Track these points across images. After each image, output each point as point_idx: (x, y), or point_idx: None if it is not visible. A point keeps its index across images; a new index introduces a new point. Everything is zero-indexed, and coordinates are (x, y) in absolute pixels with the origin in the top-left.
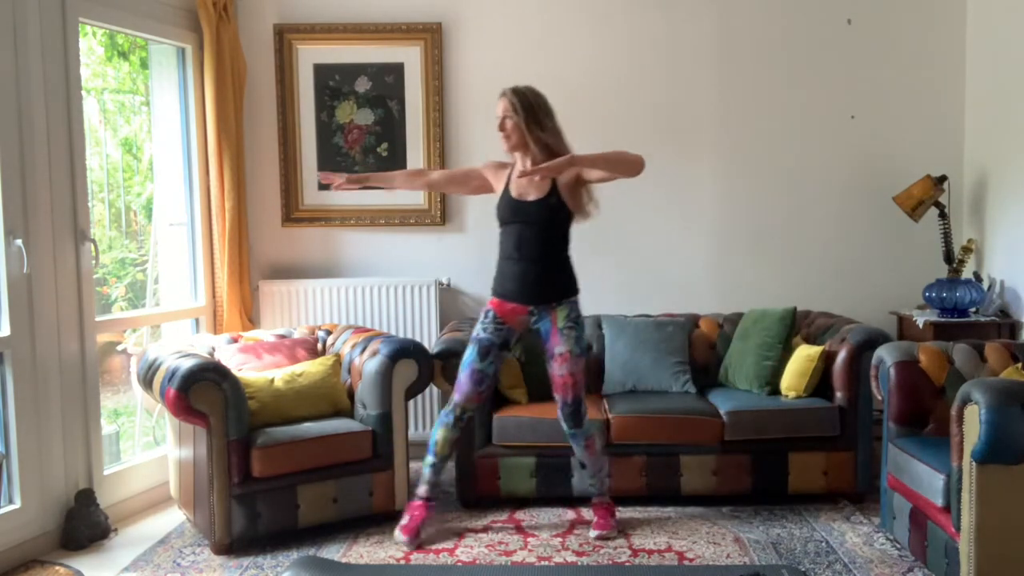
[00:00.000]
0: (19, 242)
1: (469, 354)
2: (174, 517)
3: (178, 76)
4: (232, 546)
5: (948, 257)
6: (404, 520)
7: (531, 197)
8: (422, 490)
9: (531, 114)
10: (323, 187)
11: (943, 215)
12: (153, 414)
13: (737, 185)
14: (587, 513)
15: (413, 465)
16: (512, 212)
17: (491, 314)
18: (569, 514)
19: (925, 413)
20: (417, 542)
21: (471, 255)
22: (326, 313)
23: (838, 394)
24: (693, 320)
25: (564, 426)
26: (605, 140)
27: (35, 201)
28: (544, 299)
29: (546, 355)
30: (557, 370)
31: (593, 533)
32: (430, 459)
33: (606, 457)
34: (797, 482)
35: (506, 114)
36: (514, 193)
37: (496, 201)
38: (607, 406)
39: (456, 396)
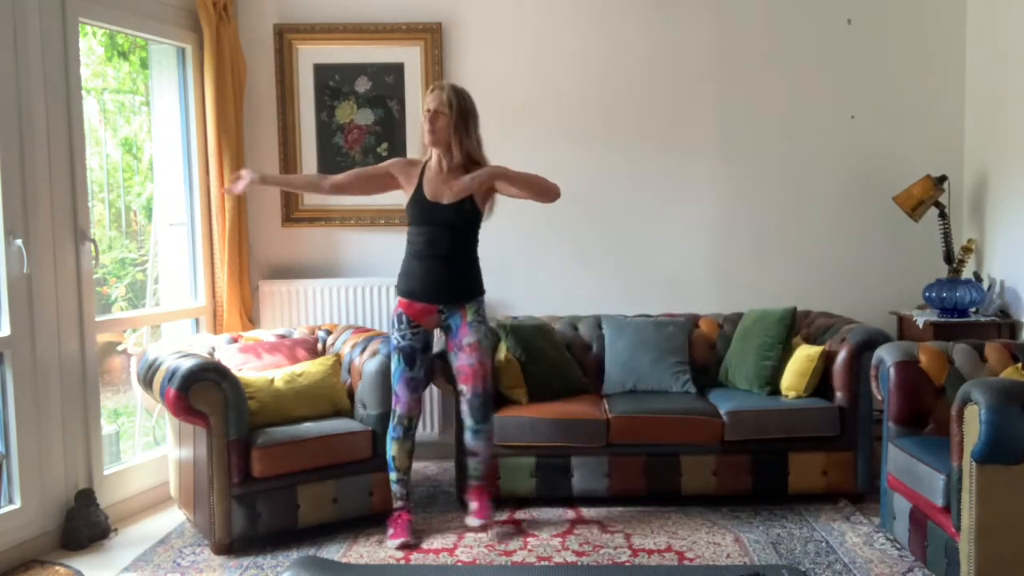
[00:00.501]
0: (19, 242)
1: (397, 364)
2: (174, 517)
3: (178, 76)
4: (232, 546)
5: (948, 257)
6: (391, 531)
7: (446, 200)
8: (398, 504)
9: (463, 117)
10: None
11: (943, 215)
12: (153, 414)
13: (737, 185)
14: (587, 512)
15: (414, 465)
16: (427, 214)
17: (404, 318)
18: (569, 514)
19: (925, 413)
20: (414, 540)
21: None
22: (326, 313)
23: (838, 394)
24: (693, 320)
25: (469, 421)
26: (605, 140)
27: (35, 201)
28: (456, 298)
29: (454, 348)
30: (467, 359)
31: (476, 522)
32: (394, 476)
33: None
34: (797, 482)
35: (440, 109)
36: (428, 194)
37: (407, 200)
38: (607, 406)
39: (399, 408)
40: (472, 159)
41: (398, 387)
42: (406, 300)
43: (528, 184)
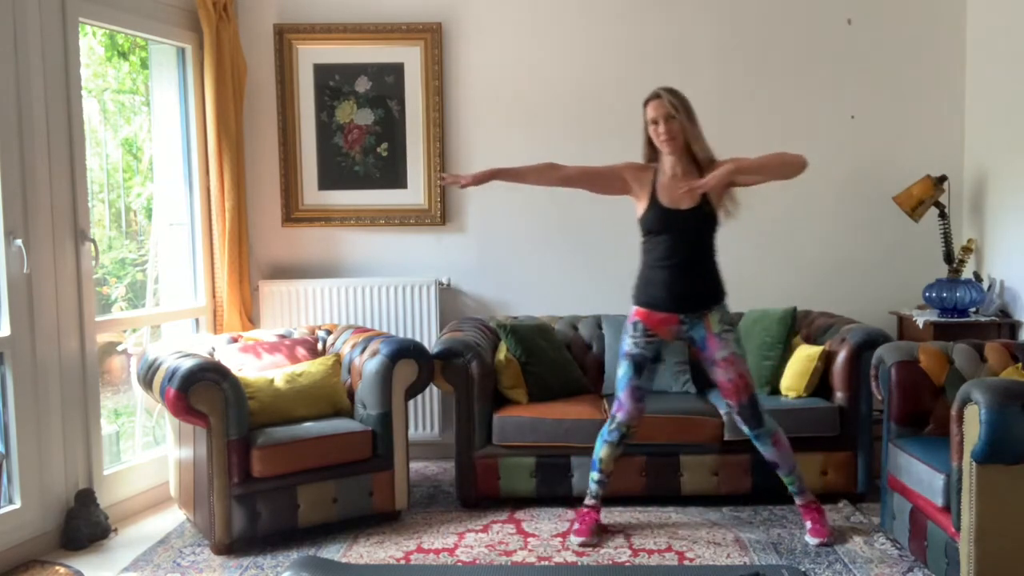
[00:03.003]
0: (19, 242)
1: (625, 371)
2: (174, 517)
3: (178, 76)
4: (232, 546)
5: (948, 257)
6: (577, 526)
7: (684, 205)
8: (590, 501)
9: (690, 117)
10: (325, 186)
11: (943, 215)
12: (153, 414)
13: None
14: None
15: (413, 465)
16: (665, 222)
17: (640, 326)
18: (569, 514)
19: (925, 413)
20: (594, 541)
21: (471, 255)
22: (326, 313)
23: (838, 394)
24: None
25: (745, 429)
26: (605, 139)
27: (35, 201)
28: (697, 307)
29: (705, 362)
30: (723, 375)
31: (813, 540)
32: (596, 475)
33: (792, 454)
34: None
35: (671, 114)
36: (665, 202)
37: (640, 208)
38: (607, 406)
39: (620, 415)
40: (698, 156)
41: (623, 395)
42: (645, 310)
43: (768, 169)
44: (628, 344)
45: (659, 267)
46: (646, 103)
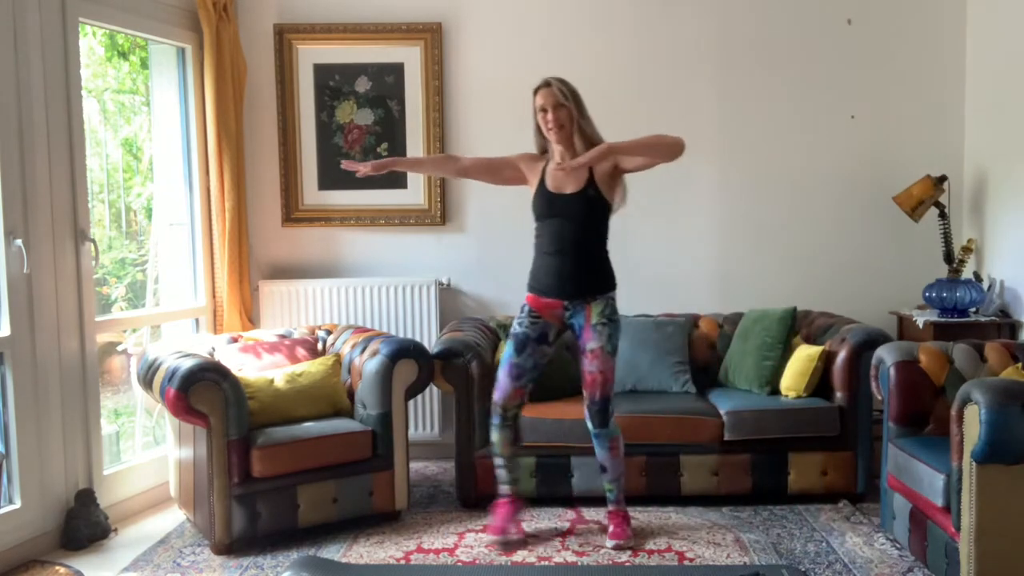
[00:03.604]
0: (19, 242)
1: (507, 350)
2: (174, 517)
3: (178, 76)
4: (232, 546)
5: (948, 257)
6: (492, 520)
7: (568, 190)
8: (503, 489)
9: (579, 105)
10: (325, 186)
11: (943, 215)
12: (153, 414)
13: (737, 185)
14: (587, 513)
15: (413, 465)
16: (549, 206)
17: (526, 308)
18: (569, 514)
19: (925, 413)
20: (513, 536)
21: (471, 255)
22: (326, 313)
23: (838, 394)
24: (693, 320)
25: (589, 425)
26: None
27: (35, 201)
28: (579, 293)
29: (578, 351)
30: (587, 366)
31: (610, 543)
32: (498, 461)
33: (624, 463)
34: (797, 482)
35: (560, 102)
36: (550, 186)
37: (531, 195)
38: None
39: (496, 395)
40: (591, 142)
41: (500, 372)
42: (533, 295)
43: (646, 147)
44: (513, 325)
45: (547, 252)
46: (536, 91)
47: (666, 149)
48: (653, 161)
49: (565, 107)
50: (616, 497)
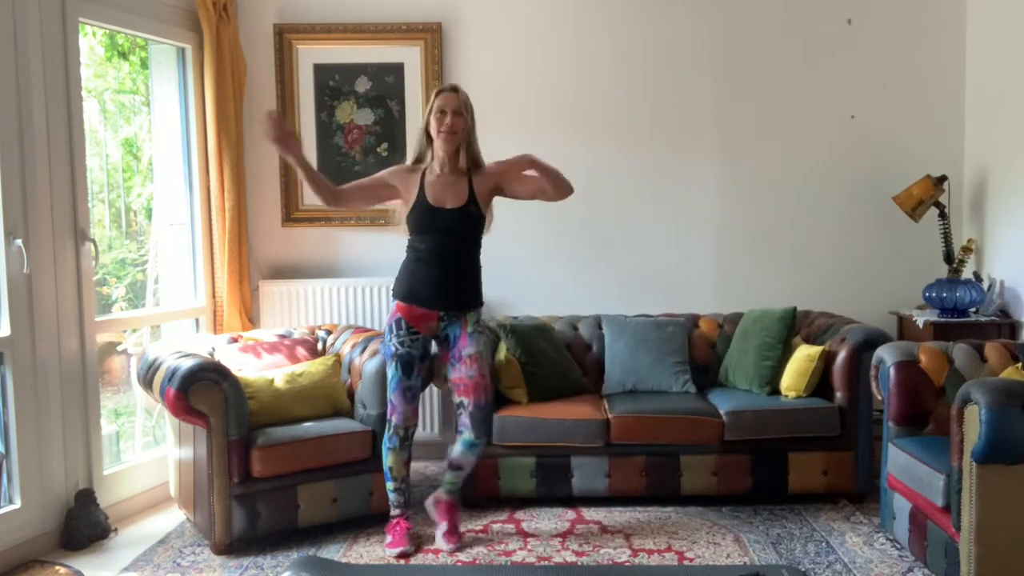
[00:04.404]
0: (19, 242)
1: (395, 372)
2: (174, 517)
3: (178, 76)
4: (232, 546)
5: (948, 257)
6: (389, 539)
7: (449, 205)
8: (395, 512)
9: (473, 118)
10: None
11: (943, 215)
12: (153, 414)
13: (737, 185)
14: (587, 512)
15: (413, 465)
16: (430, 220)
17: (403, 324)
18: (569, 514)
19: (925, 413)
20: (412, 549)
21: None
22: (326, 313)
23: (838, 394)
24: (693, 320)
25: (468, 435)
26: (605, 139)
27: (35, 201)
28: (460, 306)
29: (451, 359)
30: (467, 371)
31: (448, 546)
32: (392, 485)
33: None
34: (797, 482)
35: (459, 111)
36: (431, 199)
37: (407, 208)
38: (607, 406)
39: (395, 418)
40: (476, 163)
41: (394, 396)
42: (405, 304)
43: (558, 176)
44: (393, 344)
45: (423, 262)
46: (438, 93)
47: (564, 187)
48: (548, 191)
49: (463, 117)
50: (455, 490)
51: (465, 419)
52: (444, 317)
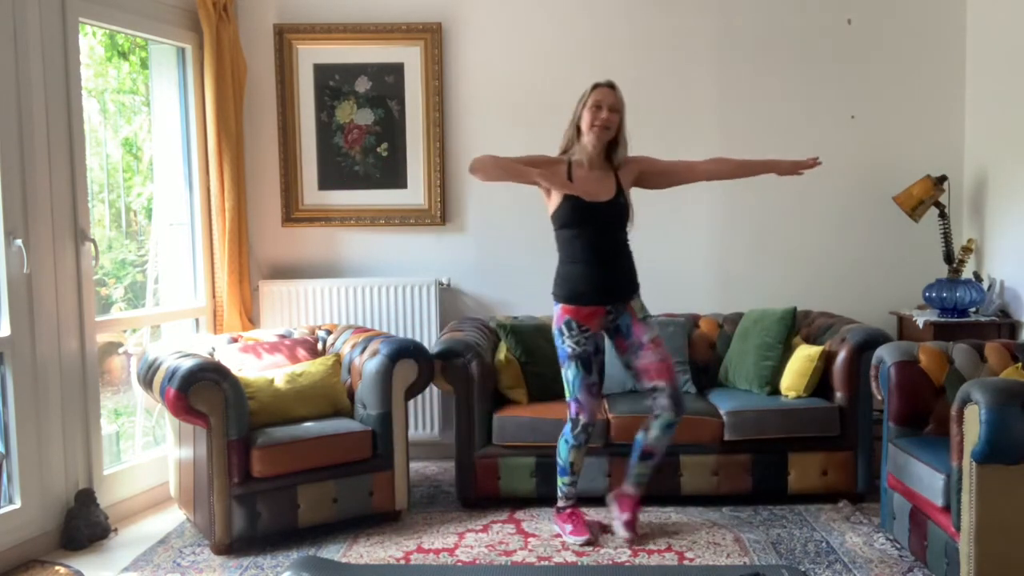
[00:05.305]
0: (19, 242)
1: (576, 372)
2: (174, 517)
3: (178, 76)
4: (232, 546)
5: (948, 257)
6: (569, 527)
7: (603, 198)
8: (570, 503)
9: (624, 118)
10: (325, 186)
11: (943, 215)
12: (153, 414)
13: (737, 185)
14: (587, 513)
15: (413, 465)
16: (587, 215)
17: (573, 324)
18: None
19: (925, 413)
20: (596, 537)
21: (471, 255)
22: (326, 313)
23: (838, 394)
24: (693, 320)
25: (669, 415)
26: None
27: (35, 201)
28: (624, 296)
29: (630, 348)
30: (652, 356)
31: (626, 533)
32: (568, 479)
33: None
34: (797, 482)
35: (615, 108)
36: (583, 195)
37: (556, 204)
38: (607, 406)
39: (583, 417)
40: (620, 160)
41: (580, 395)
42: (571, 306)
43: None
44: (569, 346)
45: (583, 263)
46: (594, 87)
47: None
48: (713, 176)
49: (619, 114)
50: (642, 482)
51: (663, 400)
52: (611, 310)
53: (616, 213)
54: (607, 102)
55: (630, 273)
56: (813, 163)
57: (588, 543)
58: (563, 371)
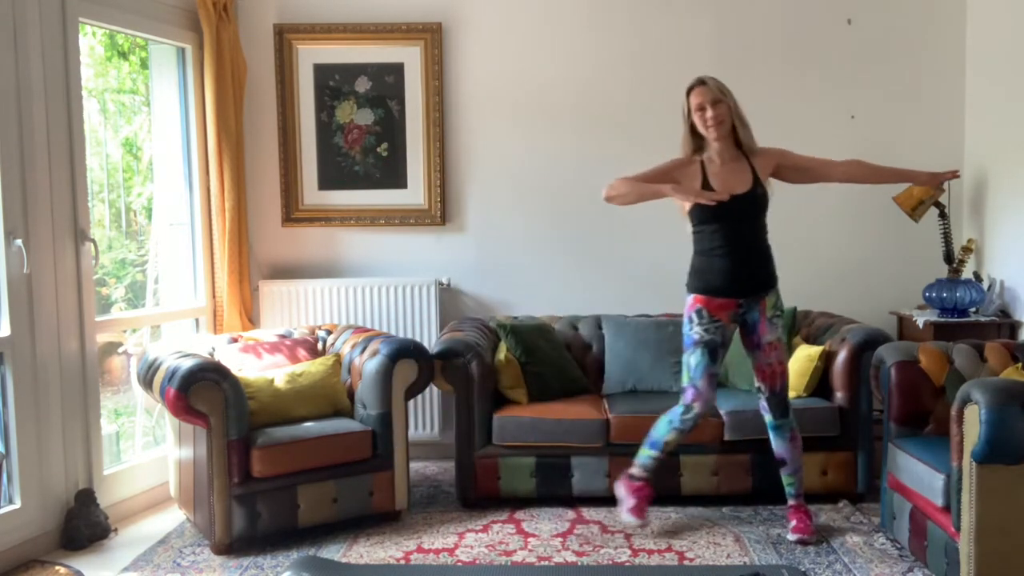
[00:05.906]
0: (19, 242)
1: (700, 358)
2: (174, 517)
3: (178, 76)
4: (232, 546)
5: (948, 257)
6: (631, 503)
7: (739, 190)
8: (642, 472)
9: (734, 99)
10: (325, 186)
11: (943, 215)
12: (153, 414)
13: None
14: (587, 512)
15: (413, 465)
16: (721, 210)
17: (704, 313)
18: (569, 514)
19: (925, 413)
20: (647, 522)
21: (471, 255)
22: (326, 313)
23: (838, 394)
24: None
25: (769, 417)
26: (605, 139)
27: (35, 201)
28: (757, 291)
29: (751, 345)
30: (766, 359)
31: (793, 537)
32: (655, 453)
33: (802, 456)
34: None
35: (717, 98)
36: (719, 189)
37: (691, 204)
38: (607, 406)
39: (698, 405)
40: (750, 142)
41: (700, 383)
42: (705, 296)
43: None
44: (697, 332)
45: (717, 255)
46: (690, 90)
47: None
48: (846, 179)
49: (723, 102)
50: (797, 491)
51: (763, 403)
52: (743, 304)
53: (753, 204)
54: (707, 100)
55: (766, 267)
56: (953, 175)
57: (640, 526)
58: (685, 356)
